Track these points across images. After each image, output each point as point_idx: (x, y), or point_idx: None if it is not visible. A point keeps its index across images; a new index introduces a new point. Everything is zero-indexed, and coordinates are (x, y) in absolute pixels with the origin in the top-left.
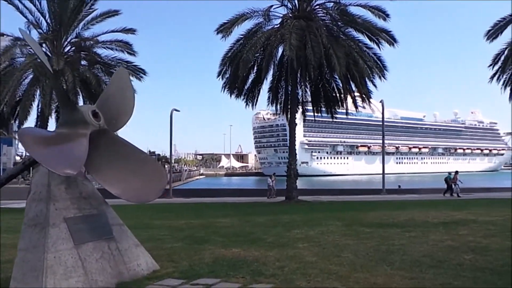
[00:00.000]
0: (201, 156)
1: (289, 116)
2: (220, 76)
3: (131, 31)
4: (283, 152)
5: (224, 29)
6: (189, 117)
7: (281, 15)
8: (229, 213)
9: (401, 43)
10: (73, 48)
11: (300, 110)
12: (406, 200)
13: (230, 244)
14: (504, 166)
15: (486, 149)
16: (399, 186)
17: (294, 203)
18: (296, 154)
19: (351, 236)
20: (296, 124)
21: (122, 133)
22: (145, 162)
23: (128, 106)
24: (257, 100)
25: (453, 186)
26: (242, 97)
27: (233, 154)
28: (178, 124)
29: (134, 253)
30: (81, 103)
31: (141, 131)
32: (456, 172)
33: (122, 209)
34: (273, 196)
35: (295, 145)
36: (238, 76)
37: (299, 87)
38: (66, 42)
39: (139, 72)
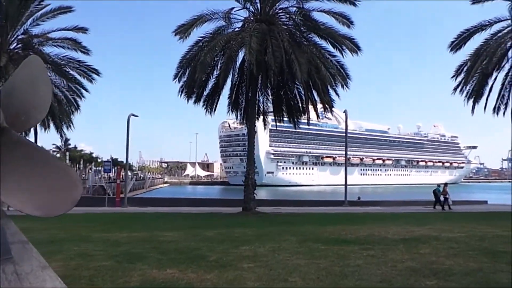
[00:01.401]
0: (166, 164)
1: (248, 124)
2: (177, 79)
3: (82, 30)
4: None
5: (182, 30)
6: (156, 124)
7: (243, 18)
8: (179, 224)
9: (366, 54)
10: (19, 45)
11: (261, 118)
12: (368, 213)
13: (166, 263)
14: (464, 179)
15: (447, 162)
16: (359, 198)
17: (251, 214)
18: (254, 163)
19: (303, 255)
20: (255, 133)
21: (93, 138)
22: (55, 168)
23: (43, 101)
24: (216, 107)
25: (442, 198)
26: (202, 103)
27: (198, 163)
28: (144, 132)
29: (39, 277)
30: None
31: (106, 138)
32: (446, 184)
33: (61, 220)
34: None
35: (253, 154)
36: (195, 80)
37: (260, 94)
38: (13, 38)
39: (92, 72)
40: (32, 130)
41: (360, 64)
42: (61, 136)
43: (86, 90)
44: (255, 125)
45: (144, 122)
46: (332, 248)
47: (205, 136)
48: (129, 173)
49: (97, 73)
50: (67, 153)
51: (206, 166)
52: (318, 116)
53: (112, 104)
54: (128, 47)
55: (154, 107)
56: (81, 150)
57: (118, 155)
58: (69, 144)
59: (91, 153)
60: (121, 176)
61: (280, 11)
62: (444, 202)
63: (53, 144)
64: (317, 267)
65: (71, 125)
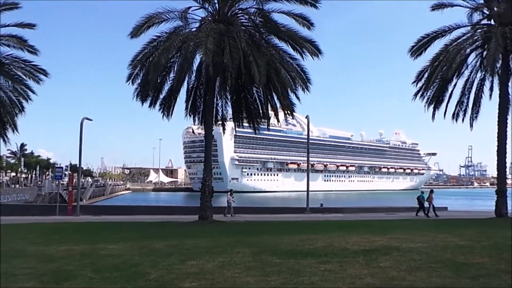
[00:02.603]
0: (128, 170)
1: (205, 129)
2: (131, 81)
3: (29, 26)
4: (214, 167)
5: (135, 30)
6: (119, 130)
7: (200, 18)
8: (128, 235)
9: (329, 60)
10: None
11: (220, 122)
12: (329, 221)
13: (98, 283)
14: (424, 185)
15: (408, 168)
16: (321, 205)
17: (207, 224)
18: (211, 169)
19: (255, 270)
20: (213, 137)
21: (54, 144)
22: None
23: None
24: (173, 111)
25: (427, 205)
26: (158, 107)
27: (162, 169)
28: (106, 137)
29: None
30: None
31: (67, 144)
32: (431, 191)
33: (5, 229)
34: (231, 214)
35: (210, 159)
36: (149, 82)
37: (219, 98)
38: None
39: (39, 73)
40: None
41: (323, 70)
42: (3, 140)
43: (32, 91)
44: (212, 130)
45: (107, 127)
46: (287, 261)
47: (169, 142)
48: (89, 180)
49: (45, 73)
50: (22, 159)
51: (170, 172)
52: (278, 121)
53: (74, 109)
54: (91, 48)
55: (117, 112)
56: (38, 156)
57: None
58: (26, 150)
59: (49, 159)
60: (73, 183)
61: (239, 11)
62: (428, 209)
63: (8, 150)
64: (267, 285)
65: (15, 128)
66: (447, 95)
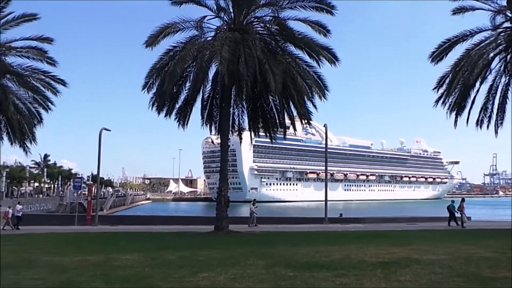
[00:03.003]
0: (148, 181)
1: (221, 138)
2: (146, 90)
3: (47, 40)
4: (233, 177)
5: (151, 40)
6: (140, 140)
7: (216, 27)
8: (142, 246)
9: (348, 68)
10: None
11: (237, 132)
12: (347, 231)
13: None
14: (447, 194)
15: (430, 177)
16: (341, 215)
17: (223, 234)
18: (227, 179)
19: (267, 283)
20: (229, 147)
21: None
22: None
23: None
24: (188, 120)
25: (458, 214)
26: (174, 116)
27: (182, 179)
28: (128, 147)
29: None
30: None
31: (89, 155)
32: (463, 200)
33: (19, 240)
34: (254, 224)
35: (226, 169)
36: (165, 91)
37: (235, 107)
38: None
39: (58, 83)
40: None
41: (342, 77)
42: (24, 150)
43: (51, 102)
44: (228, 139)
45: (128, 138)
46: (301, 274)
47: (189, 152)
48: (110, 190)
49: (64, 83)
50: (45, 170)
51: (190, 182)
52: (295, 130)
53: (96, 120)
54: (114, 61)
55: (138, 123)
56: (60, 166)
57: (101, 172)
58: (49, 160)
59: (70, 169)
60: (92, 193)
61: (255, 20)
62: (461, 219)
63: (32, 161)
64: None
65: (34, 139)
66: (470, 101)
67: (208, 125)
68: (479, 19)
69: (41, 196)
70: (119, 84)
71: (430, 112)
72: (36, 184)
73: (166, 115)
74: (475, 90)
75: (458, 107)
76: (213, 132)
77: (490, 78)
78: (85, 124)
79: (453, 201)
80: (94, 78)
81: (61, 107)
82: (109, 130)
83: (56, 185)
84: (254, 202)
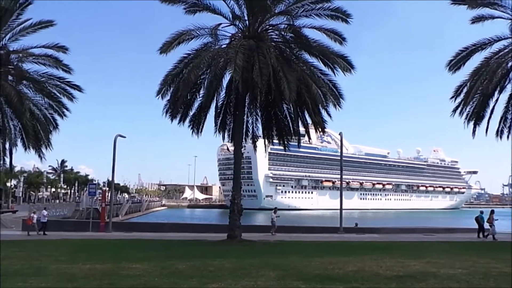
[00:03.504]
0: (164, 187)
1: (235, 146)
2: (160, 96)
3: (62, 49)
4: (248, 185)
5: (165, 47)
6: (156, 146)
7: (230, 35)
8: (154, 254)
9: (368, 77)
10: None
11: (251, 140)
12: (362, 242)
13: None
14: (464, 204)
15: (447, 187)
16: (356, 224)
17: (236, 243)
18: (241, 187)
19: None
20: (242, 154)
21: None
22: None
23: None
24: (202, 127)
25: (488, 226)
26: (187, 123)
27: (197, 186)
28: (144, 154)
29: None
30: None
31: (106, 161)
32: (492, 212)
33: (31, 246)
34: (273, 232)
35: (240, 177)
36: (178, 98)
37: (249, 114)
38: None
39: (73, 89)
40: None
41: (358, 85)
42: (39, 156)
43: (66, 108)
44: (242, 147)
45: (145, 144)
46: (313, 287)
47: (204, 159)
48: (126, 196)
49: (80, 89)
50: (62, 175)
51: (205, 189)
52: (310, 138)
53: (114, 126)
54: (131, 67)
55: (155, 130)
56: (77, 172)
57: (117, 178)
58: (66, 166)
59: (87, 175)
60: (105, 199)
61: (270, 27)
62: (484, 230)
63: (49, 166)
64: None
65: (49, 145)
66: (489, 110)
67: (221, 133)
68: (499, 28)
69: (57, 201)
70: (137, 90)
71: (447, 121)
72: (53, 189)
73: (179, 122)
74: (494, 99)
75: (476, 117)
76: (226, 139)
77: (509, 87)
78: (102, 130)
79: (482, 212)
80: (112, 84)
81: (79, 114)
82: (124, 137)
83: (72, 191)
84: (275, 210)
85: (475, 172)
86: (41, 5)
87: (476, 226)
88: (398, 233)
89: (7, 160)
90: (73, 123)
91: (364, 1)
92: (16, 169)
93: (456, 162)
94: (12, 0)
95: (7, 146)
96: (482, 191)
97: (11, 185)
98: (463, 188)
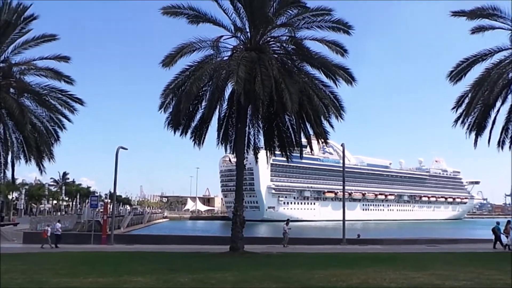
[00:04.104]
0: (166, 199)
1: (237, 157)
2: (163, 110)
3: (64, 59)
4: (250, 196)
5: (168, 60)
6: (158, 158)
7: (232, 47)
8: (155, 267)
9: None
10: None
11: (253, 152)
12: (366, 253)
13: None
14: (467, 215)
15: (450, 197)
16: (358, 236)
17: (238, 255)
18: (243, 199)
19: None
20: (244, 166)
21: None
22: None
23: None
24: (204, 139)
25: (505, 240)
26: (189, 135)
27: (199, 197)
28: (146, 165)
29: None
30: None
31: (108, 173)
32: (509, 222)
33: (31, 260)
34: (285, 244)
35: (242, 189)
36: (180, 110)
37: (251, 126)
38: None
39: (75, 102)
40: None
41: (360, 97)
42: (39, 169)
43: (69, 120)
44: (244, 158)
45: (147, 156)
46: None
47: (206, 171)
48: (128, 208)
49: (81, 102)
50: (63, 187)
51: (207, 200)
52: (312, 149)
53: (115, 138)
54: (130, 78)
55: (156, 141)
56: (79, 184)
57: (119, 190)
58: (68, 178)
59: (89, 187)
60: (108, 211)
61: (271, 39)
62: (501, 241)
63: (51, 178)
64: None
65: (52, 157)
66: (490, 121)
67: (223, 144)
68: (500, 37)
69: (59, 213)
70: (139, 102)
71: (449, 131)
72: (55, 201)
73: (181, 134)
74: (495, 110)
75: (478, 127)
76: (228, 151)
77: (510, 98)
78: (104, 142)
79: (498, 223)
80: (114, 96)
81: (81, 126)
82: (126, 149)
83: (74, 203)
84: (287, 221)
85: (477, 183)
86: (43, 17)
87: (482, 237)
88: (401, 244)
89: (9, 172)
90: (75, 135)
91: (366, 11)
92: (18, 181)
93: (458, 172)
94: (16, 13)
95: (9, 158)
96: (485, 201)
97: (12, 198)
98: (466, 198)
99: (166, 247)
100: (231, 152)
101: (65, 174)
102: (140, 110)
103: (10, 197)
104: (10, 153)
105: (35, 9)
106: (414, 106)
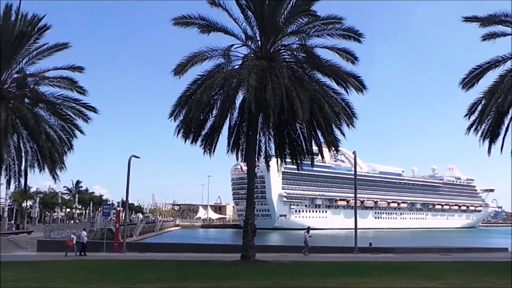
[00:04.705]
0: (178, 207)
1: (248, 165)
2: (173, 118)
3: (78, 69)
4: (261, 204)
5: (179, 68)
6: (170, 166)
7: (243, 56)
8: (166, 275)
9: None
10: (14, 84)
11: (264, 160)
12: (378, 262)
13: None
14: (482, 223)
15: (463, 205)
16: (370, 244)
17: (249, 263)
18: (254, 207)
19: None
20: (255, 174)
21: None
22: None
23: None
24: (215, 147)
25: None
26: (200, 143)
27: (210, 205)
28: (158, 173)
29: None
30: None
31: (121, 181)
32: None
33: (45, 268)
34: (306, 252)
35: (253, 197)
36: (191, 118)
37: (261, 134)
38: (7, 77)
39: (88, 110)
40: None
41: (372, 104)
42: (53, 177)
43: (80, 131)
44: (255, 166)
45: (159, 164)
46: None
47: (218, 179)
48: (140, 216)
49: (95, 110)
50: (77, 196)
51: (219, 208)
52: (323, 157)
53: (128, 147)
54: (142, 88)
55: (169, 149)
56: (92, 193)
57: (131, 198)
58: (81, 187)
59: (101, 195)
60: (120, 219)
61: (282, 48)
62: None
63: (64, 187)
64: None
65: (63, 166)
66: (504, 128)
67: (234, 152)
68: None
69: (72, 222)
70: (151, 111)
71: (462, 138)
72: (68, 210)
73: (192, 142)
74: (509, 117)
75: (491, 135)
76: (239, 159)
77: None
78: (117, 150)
79: None
80: (126, 104)
81: (94, 134)
82: (138, 157)
83: (87, 211)
84: (308, 229)
85: (491, 190)
86: (55, 27)
87: (498, 245)
88: (413, 253)
89: (22, 181)
90: (88, 143)
91: (378, 15)
92: (32, 190)
93: (472, 180)
94: (30, 24)
95: (22, 167)
96: (500, 209)
97: (26, 206)
98: (480, 206)
99: (177, 255)
100: (242, 160)
101: (78, 182)
102: (153, 118)
103: (24, 205)
104: (23, 162)
105: (49, 18)
106: (427, 113)
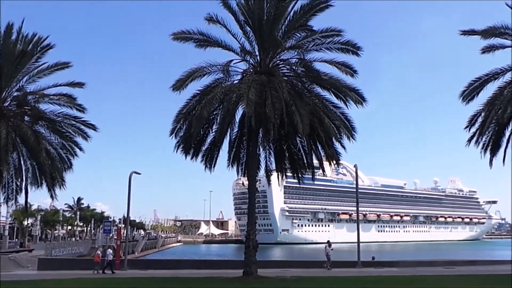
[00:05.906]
0: (180, 223)
1: (249, 180)
2: (174, 135)
3: (78, 85)
4: (264, 219)
5: (178, 84)
6: (171, 182)
7: (242, 71)
8: None
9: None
10: (14, 102)
11: (265, 174)
12: (382, 276)
13: None
14: (485, 235)
15: (467, 217)
16: (373, 258)
17: (251, 279)
18: (256, 222)
19: None
20: (256, 189)
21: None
22: None
23: None
24: (215, 162)
25: None
26: (200, 159)
27: (212, 221)
28: (159, 189)
29: None
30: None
31: (122, 198)
32: None
33: (46, 285)
34: (328, 267)
35: (254, 212)
36: (191, 134)
37: (262, 149)
38: (7, 95)
39: (88, 128)
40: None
41: (373, 117)
42: (51, 196)
43: (80, 148)
44: (256, 181)
45: (160, 180)
46: None
47: (219, 194)
48: (142, 232)
49: (94, 128)
50: (78, 213)
51: (221, 224)
52: (324, 171)
53: (129, 163)
54: (143, 103)
55: (170, 165)
56: (93, 209)
57: (133, 214)
58: (82, 204)
59: (103, 212)
60: (121, 236)
61: (281, 62)
62: None
63: (65, 204)
64: None
65: (63, 183)
66: (505, 140)
67: (234, 167)
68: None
69: (73, 239)
70: (152, 126)
71: (464, 150)
72: (69, 227)
73: (192, 158)
74: (510, 129)
75: (492, 146)
76: (240, 174)
77: None
78: (118, 167)
79: None
80: (128, 122)
81: (95, 150)
82: (139, 174)
83: (89, 228)
84: (329, 243)
85: (494, 202)
86: (57, 46)
87: (502, 258)
88: (417, 266)
89: (19, 199)
90: (89, 160)
91: (379, 26)
92: (33, 207)
93: (475, 192)
94: (31, 43)
95: (22, 185)
96: (503, 221)
97: (27, 224)
98: (483, 218)
99: (180, 272)
100: (243, 175)
101: (79, 199)
102: (154, 134)
103: (25, 223)
104: (24, 179)
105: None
106: (428, 125)
